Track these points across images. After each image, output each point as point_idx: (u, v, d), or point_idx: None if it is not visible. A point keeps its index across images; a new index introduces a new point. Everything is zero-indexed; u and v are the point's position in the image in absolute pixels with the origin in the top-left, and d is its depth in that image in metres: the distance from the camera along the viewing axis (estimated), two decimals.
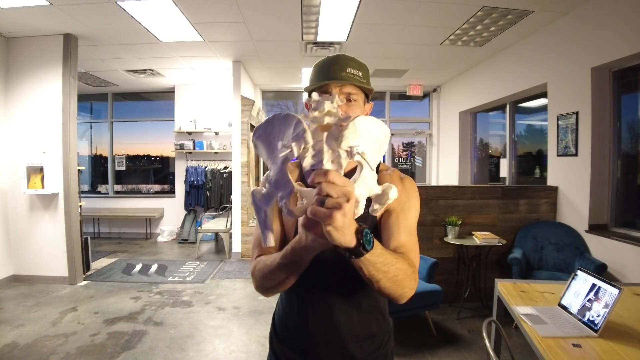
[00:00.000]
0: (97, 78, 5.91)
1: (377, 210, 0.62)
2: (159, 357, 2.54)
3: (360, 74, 0.85)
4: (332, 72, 0.84)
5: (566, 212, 3.43)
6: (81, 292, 3.80)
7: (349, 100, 0.85)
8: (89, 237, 4.52)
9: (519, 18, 3.52)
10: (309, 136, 0.55)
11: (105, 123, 7.11)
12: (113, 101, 7.03)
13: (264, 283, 0.81)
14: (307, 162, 0.55)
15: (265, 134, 0.61)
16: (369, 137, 0.59)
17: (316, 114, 0.58)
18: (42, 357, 2.51)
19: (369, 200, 0.62)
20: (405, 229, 0.84)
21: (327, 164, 0.54)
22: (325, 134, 0.56)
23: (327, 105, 0.58)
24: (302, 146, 0.55)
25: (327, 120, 0.58)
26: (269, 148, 0.60)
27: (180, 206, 6.53)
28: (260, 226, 0.61)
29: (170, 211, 6.70)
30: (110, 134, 7.06)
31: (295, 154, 0.55)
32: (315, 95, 0.61)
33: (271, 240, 0.61)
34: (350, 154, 0.55)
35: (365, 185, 0.58)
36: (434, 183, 6.82)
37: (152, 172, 7.37)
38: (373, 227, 0.86)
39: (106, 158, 7.13)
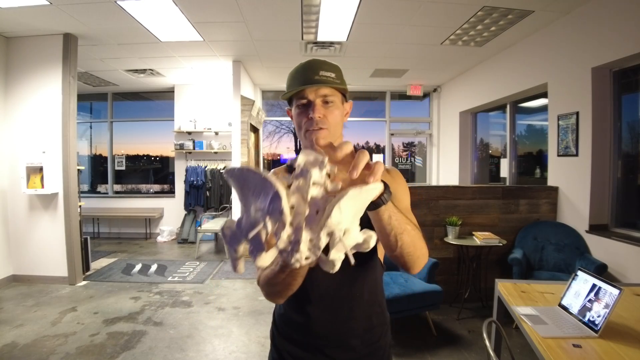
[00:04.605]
0: (96, 78, 5.91)
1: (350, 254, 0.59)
2: (158, 357, 2.54)
3: (333, 75, 0.86)
4: (305, 77, 0.85)
5: (566, 212, 3.43)
6: (81, 292, 3.80)
7: (325, 102, 0.86)
8: (88, 237, 4.51)
9: (519, 18, 3.52)
10: (287, 218, 0.49)
11: (105, 123, 7.11)
12: (113, 101, 7.02)
13: (272, 288, 0.79)
14: (282, 244, 0.50)
15: (239, 181, 0.55)
16: (354, 207, 0.53)
17: (300, 182, 0.52)
18: (41, 357, 2.50)
19: None
20: (402, 209, 0.85)
21: (304, 247, 0.49)
22: (307, 211, 0.50)
23: (314, 175, 0.51)
24: (277, 225, 0.49)
25: (313, 192, 0.51)
26: (242, 193, 0.55)
27: (180, 206, 6.53)
28: (230, 258, 0.57)
29: (170, 211, 6.70)
30: (110, 133, 7.06)
31: (269, 229, 0.50)
32: (301, 158, 0.54)
33: (241, 268, 0.56)
34: (330, 235, 0.50)
35: (344, 248, 0.53)
36: (434, 183, 6.82)
37: (151, 172, 7.37)
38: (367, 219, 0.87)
39: (106, 158, 7.13)
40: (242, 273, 0.57)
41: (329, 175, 0.53)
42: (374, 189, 0.56)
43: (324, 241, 0.50)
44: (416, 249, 0.76)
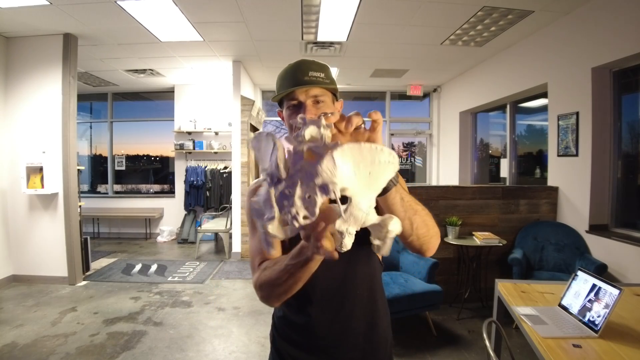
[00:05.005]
0: (96, 78, 5.91)
1: (381, 247, 0.55)
2: (158, 358, 2.54)
3: (322, 75, 0.87)
4: (295, 78, 0.85)
5: (566, 212, 3.43)
6: (81, 292, 3.80)
7: (316, 102, 0.86)
8: (88, 237, 4.51)
9: (519, 18, 3.52)
10: (281, 171, 0.49)
11: (105, 123, 7.11)
12: (113, 101, 7.02)
13: (272, 291, 0.77)
14: (278, 197, 0.50)
15: (256, 149, 0.58)
16: (357, 168, 0.49)
17: (299, 138, 0.53)
18: (41, 357, 2.50)
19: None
20: None
21: (299, 202, 0.47)
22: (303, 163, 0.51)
23: (310, 132, 0.51)
24: (276, 179, 0.50)
25: (310, 146, 0.51)
26: (260, 160, 0.57)
27: (180, 206, 6.53)
28: (260, 236, 0.57)
29: (170, 211, 6.70)
30: (110, 133, 7.06)
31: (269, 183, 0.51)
32: (300, 116, 0.58)
33: (272, 247, 0.57)
34: (324, 190, 0.47)
35: (353, 221, 0.51)
36: (434, 183, 6.82)
37: (151, 172, 7.37)
38: None
39: (106, 158, 7.12)
40: (275, 251, 0.57)
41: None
42: (379, 150, 0.50)
43: (319, 197, 0.47)
44: (429, 229, 0.76)
